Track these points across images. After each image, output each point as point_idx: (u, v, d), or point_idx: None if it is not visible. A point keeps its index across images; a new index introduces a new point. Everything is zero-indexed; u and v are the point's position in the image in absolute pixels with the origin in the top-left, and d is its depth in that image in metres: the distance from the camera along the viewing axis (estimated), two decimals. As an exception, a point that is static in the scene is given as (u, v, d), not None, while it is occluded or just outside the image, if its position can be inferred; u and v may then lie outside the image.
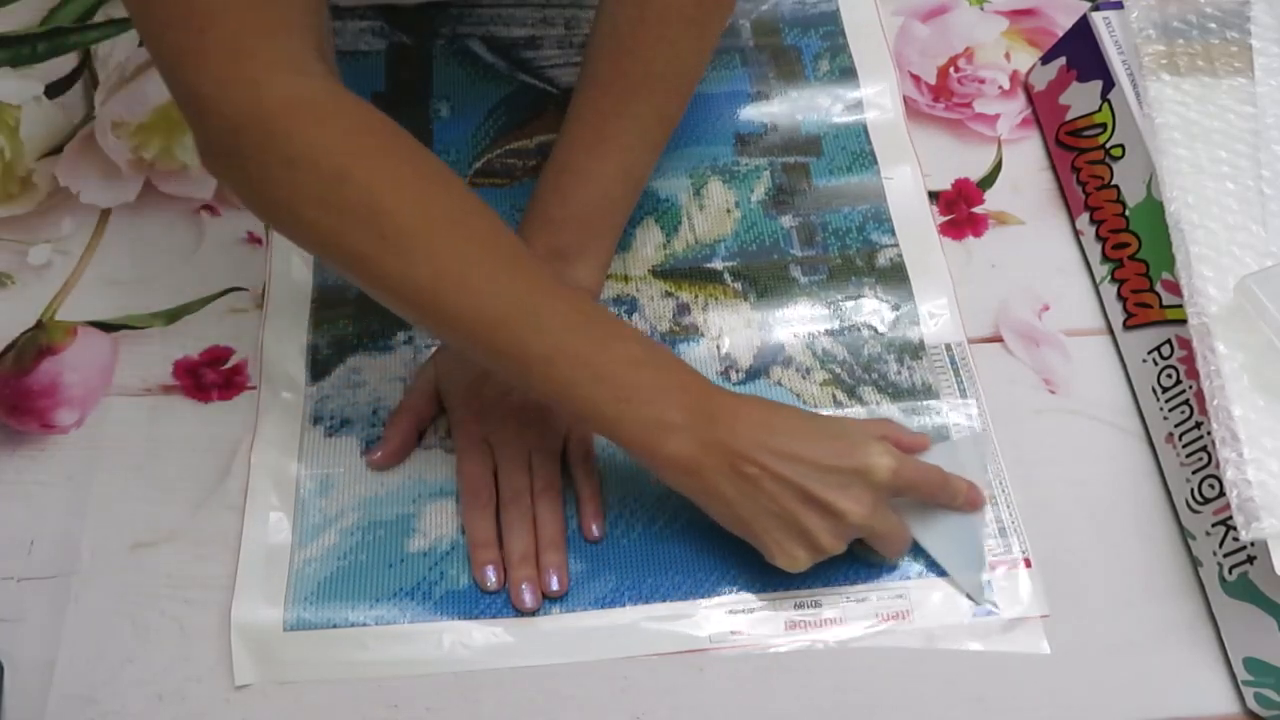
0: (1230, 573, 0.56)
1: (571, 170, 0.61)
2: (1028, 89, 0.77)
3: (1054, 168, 0.74)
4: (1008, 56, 0.79)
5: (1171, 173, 0.62)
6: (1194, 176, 0.62)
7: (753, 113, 0.75)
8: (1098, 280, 0.69)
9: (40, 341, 0.65)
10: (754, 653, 0.57)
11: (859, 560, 0.58)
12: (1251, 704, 0.56)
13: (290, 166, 0.48)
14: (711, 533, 0.58)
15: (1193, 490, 0.59)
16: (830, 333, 0.67)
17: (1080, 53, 0.72)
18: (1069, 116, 0.72)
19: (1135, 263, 0.66)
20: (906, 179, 0.73)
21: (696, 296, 0.68)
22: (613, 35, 0.60)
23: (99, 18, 0.78)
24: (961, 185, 0.73)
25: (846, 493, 0.53)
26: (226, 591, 0.57)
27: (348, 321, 0.66)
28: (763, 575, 0.58)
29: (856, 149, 0.74)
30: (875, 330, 0.67)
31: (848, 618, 0.58)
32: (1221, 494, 0.56)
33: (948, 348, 0.66)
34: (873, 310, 0.68)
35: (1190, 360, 0.59)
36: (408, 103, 0.74)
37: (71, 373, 0.64)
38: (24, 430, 0.62)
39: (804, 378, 0.65)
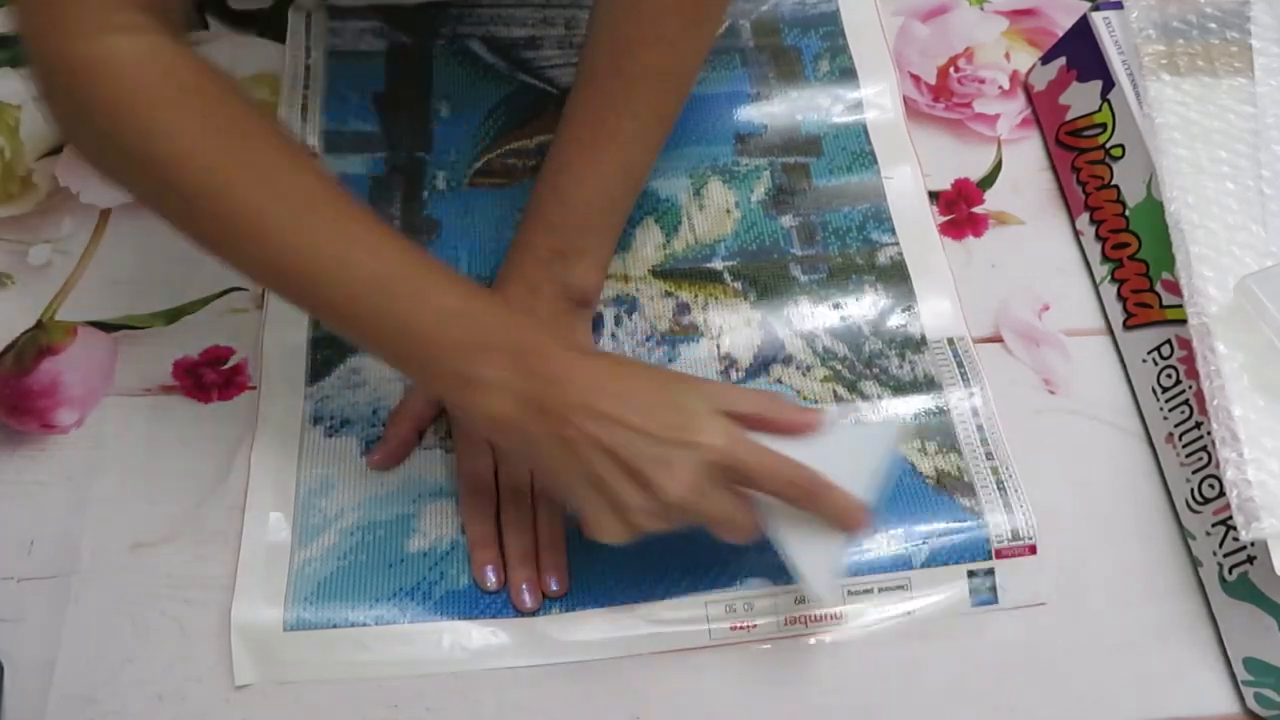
0: (1230, 573, 0.56)
1: (570, 170, 0.61)
2: (1028, 89, 0.77)
3: (1054, 168, 0.74)
4: (1008, 56, 0.79)
5: (1171, 173, 0.62)
6: (1194, 176, 0.62)
7: (753, 113, 0.75)
8: (1098, 280, 0.69)
9: (40, 341, 0.65)
10: (754, 652, 0.57)
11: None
12: (1251, 704, 0.56)
13: (86, 116, 0.49)
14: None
15: (1193, 490, 0.59)
16: (830, 330, 0.67)
17: (1080, 53, 0.72)
18: (1069, 116, 0.72)
19: (1135, 263, 0.66)
20: (906, 179, 0.73)
21: (696, 296, 0.68)
22: (610, 33, 0.60)
23: (99, 18, 0.77)
24: (961, 185, 0.73)
25: (666, 468, 0.48)
26: (226, 591, 0.57)
27: (348, 321, 0.66)
28: (763, 573, 0.58)
29: (856, 149, 0.74)
30: (876, 327, 0.67)
31: (848, 613, 0.58)
32: (1221, 494, 0.56)
33: (950, 341, 0.66)
34: (873, 308, 0.68)
35: (1190, 360, 0.59)
36: (408, 103, 0.74)
37: (71, 373, 0.64)
38: (24, 430, 0.62)
39: (805, 375, 0.65)
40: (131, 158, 0.49)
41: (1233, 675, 0.57)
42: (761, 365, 0.66)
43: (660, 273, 0.69)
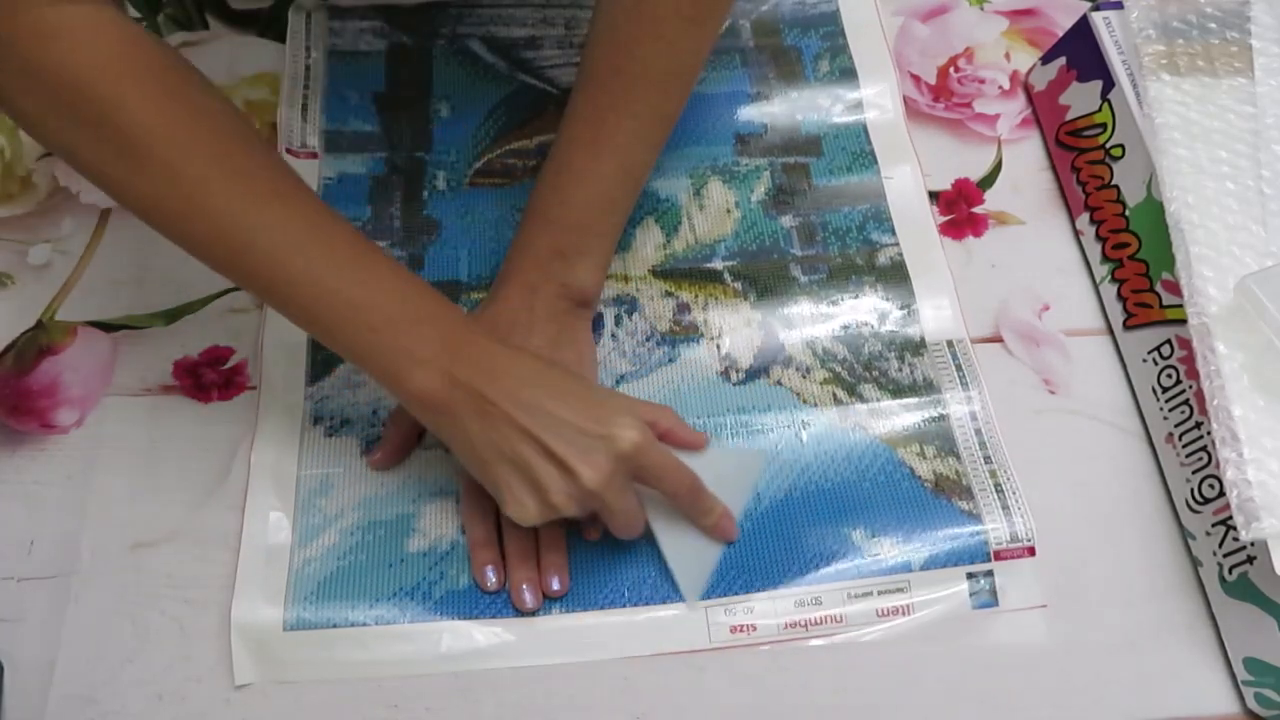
0: (1230, 573, 0.56)
1: (570, 170, 0.61)
2: (1028, 89, 0.77)
3: (1054, 168, 0.74)
4: (1008, 56, 0.79)
5: (1171, 173, 0.62)
6: (1194, 176, 0.62)
7: (753, 113, 0.75)
8: (1098, 280, 0.69)
9: (40, 341, 0.65)
10: (754, 652, 0.57)
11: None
12: (1251, 704, 0.56)
13: (32, 83, 0.49)
14: (711, 532, 0.59)
15: (1193, 490, 0.59)
16: (831, 331, 0.67)
17: (1080, 53, 0.72)
18: (1069, 116, 0.72)
19: (1135, 263, 0.66)
20: (906, 179, 0.73)
21: (696, 296, 0.68)
22: (610, 33, 0.60)
23: (99, 18, 0.77)
24: (961, 185, 0.73)
25: (585, 456, 0.52)
26: (226, 591, 0.57)
27: (348, 321, 0.66)
28: (762, 574, 0.58)
29: (856, 149, 0.74)
30: (875, 329, 0.67)
31: (848, 614, 0.58)
32: (1221, 494, 0.56)
33: (949, 344, 0.66)
34: (873, 309, 0.68)
35: (1190, 360, 0.59)
36: (408, 103, 0.74)
37: (71, 373, 0.64)
38: (24, 430, 0.62)
39: (804, 377, 0.65)
40: (90, 127, 0.49)
41: (1233, 675, 0.57)
42: (761, 366, 0.66)
43: (660, 273, 0.69)
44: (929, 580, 0.59)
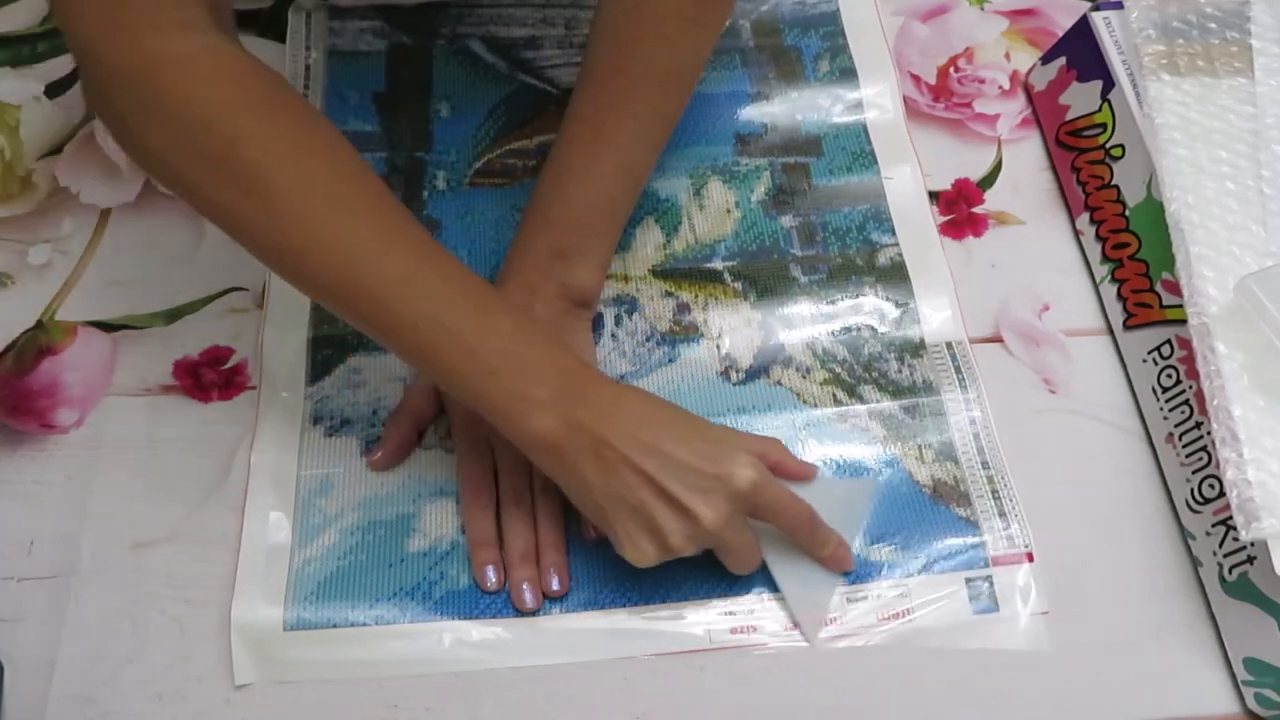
0: (1230, 573, 0.56)
1: (570, 170, 0.61)
2: (1028, 89, 0.77)
3: (1054, 168, 0.74)
4: (1008, 56, 0.79)
5: (1171, 173, 0.62)
6: (1194, 176, 0.62)
7: (753, 113, 0.75)
8: (1098, 280, 0.69)
9: (40, 341, 0.65)
10: (754, 653, 0.57)
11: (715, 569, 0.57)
12: (1251, 704, 0.56)
13: (159, 117, 0.49)
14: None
15: (1193, 490, 0.59)
16: (830, 332, 0.67)
17: (1080, 53, 0.72)
18: (1069, 116, 0.72)
19: (1135, 263, 0.66)
20: (906, 179, 0.73)
21: (696, 296, 0.68)
22: (611, 34, 0.60)
23: (99, 18, 0.77)
24: (961, 185, 0.73)
25: (704, 497, 0.52)
26: (226, 591, 0.57)
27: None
28: (763, 575, 0.58)
29: (856, 149, 0.74)
30: (875, 329, 0.67)
31: (847, 617, 0.58)
32: (1221, 494, 0.56)
33: (948, 345, 0.66)
34: (873, 309, 0.68)
35: (1190, 360, 0.59)
36: (408, 103, 0.74)
37: (71, 373, 0.64)
38: (24, 430, 0.62)
39: (804, 377, 0.65)
40: (214, 165, 0.49)
41: (1233, 675, 0.57)
42: (761, 367, 0.66)
43: (660, 273, 0.69)
44: (928, 585, 0.59)
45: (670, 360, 0.66)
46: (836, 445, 0.63)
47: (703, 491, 0.52)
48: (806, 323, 0.67)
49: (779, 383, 0.65)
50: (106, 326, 0.66)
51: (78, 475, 0.61)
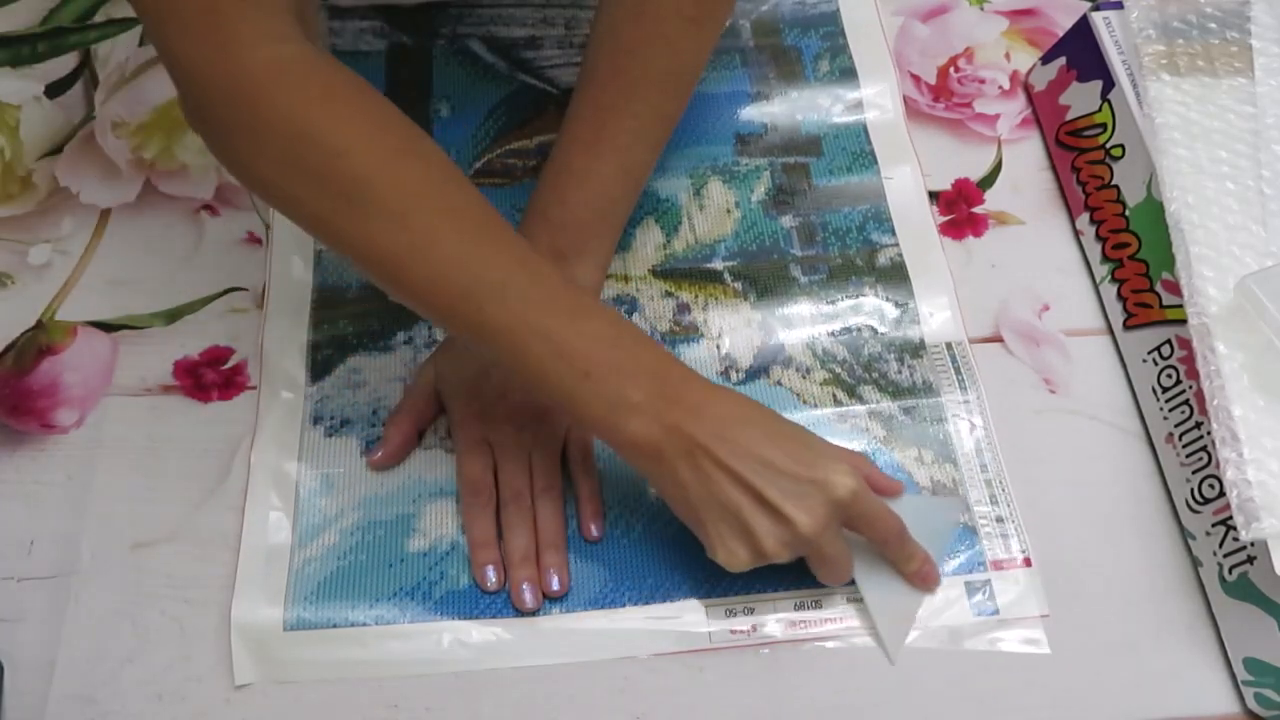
0: (1230, 573, 0.56)
1: (571, 170, 0.61)
2: (1028, 89, 0.77)
3: (1054, 168, 0.74)
4: (1008, 56, 0.79)
5: (1171, 173, 0.62)
6: (1194, 176, 0.62)
7: (753, 113, 0.75)
8: (1098, 280, 0.69)
9: (40, 341, 0.65)
10: (754, 653, 0.57)
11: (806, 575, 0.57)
12: (1251, 704, 0.56)
13: (253, 128, 0.49)
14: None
15: (1193, 490, 0.59)
16: (831, 332, 0.67)
17: (1080, 53, 0.72)
18: (1069, 116, 0.72)
19: (1135, 263, 0.66)
20: (906, 179, 0.73)
21: (696, 296, 0.68)
22: (611, 34, 0.60)
23: (99, 18, 0.77)
24: (961, 185, 0.73)
25: (801, 502, 0.51)
26: (226, 591, 0.57)
27: (348, 321, 0.66)
28: (763, 575, 0.58)
29: (856, 149, 0.74)
30: (875, 330, 0.67)
31: (848, 617, 0.58)
32: (1221, 494, 0.56)
33: (948, 346, 0.66)
34: (873, 310, 0.68)
35: (1190, 360, 0.59)
36: (408, 103, 0.74)
37: (71, 373, 0.64)
38: (24, 430, 0.62)
39: (804, 377, 0.65)
40: (316, 178, 0.49)
41: (1233, 675, 0.57)
42: (761, 367, 0.66)
43: (660, 273, 0.69)
44: None
45: (670, 360, 0.66)
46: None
47: (799, 496, 0.51)
48: (806, 323, 0.67)
49: (779, 383, 0.65)
50: (106, 326, 0.66)
51: (78, 475, 0.61)
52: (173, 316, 0.66)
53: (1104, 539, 0.61)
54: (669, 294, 0.68)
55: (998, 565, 0.59)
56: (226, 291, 0.67)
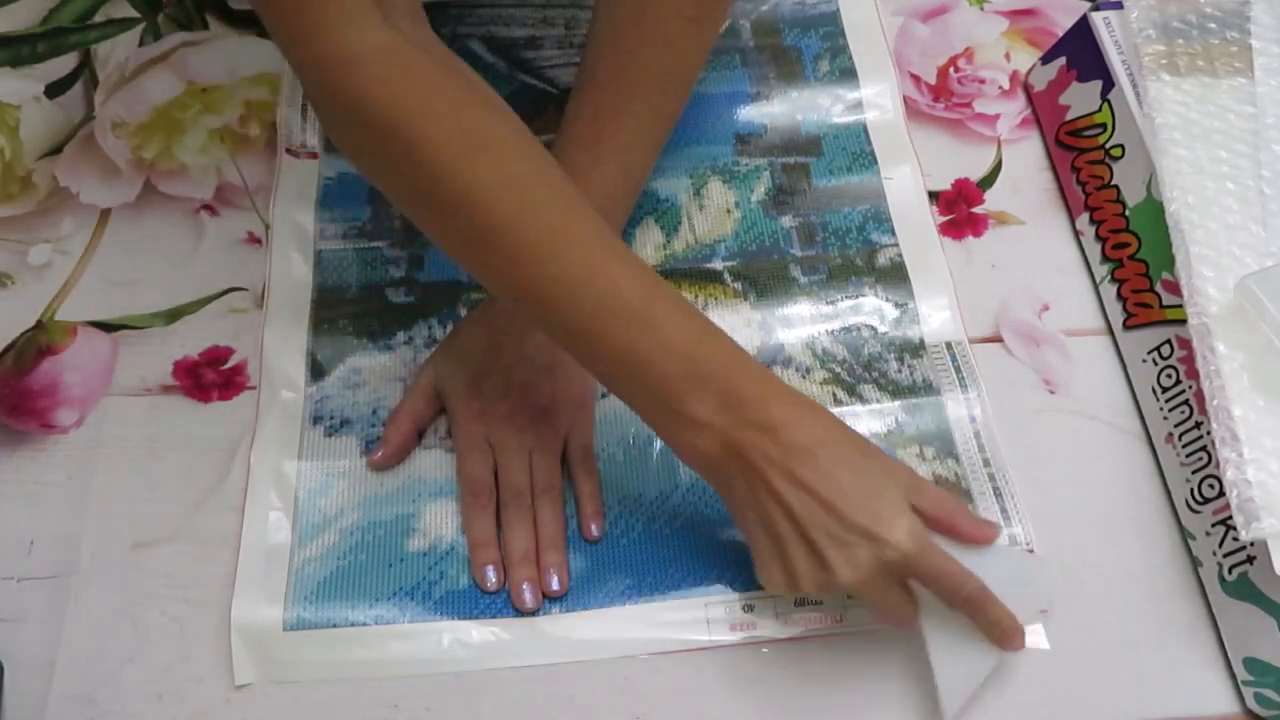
0: (1230, 573, 0.56)
1: (570, 170, 0.61)
2: (1028, 89, 0.77)
3: (1054, 168, 0.74)
4: (1008, 56, 0.79)
5: (1171, 173, 0.62)
6: (1194, 176, 0.62)
7: (753, 113, 0.75)
8: (1098, 280, 0.69)
9: (40, 341, 0.65)
10: (754, 652, 0.57)
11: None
12: (1251, 704, 0.56)
13: (346, 116, 0.51)
14: (711, 533, 0.59)
15: (1193, 490, 0.59)
16: (830, 332, 0.67)
17: (1080, 53, 0.72)
18: (1069, 116, 0.72)
19: (1135, 263, 0.66)
20: (906, 179, 0.73)
21: (696, 296, 0.68)
22: (610, 34, 0.60)
23: (99, 18, 0.78)
24: (961, 185, 0.73)
25: (845, 551, 0.49)
26: (226, 591, 0.57)
27: (348, 321, 0.66)
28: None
29: (856, 149, 0.74)
30: (875, 330, 0.67)
31: (848, 615, 0.58)
32: (1221, 494, 0.56)
33: (948, 346, 0.66)
34: (873, 309, 0.68)
35: (1190, 360, 0.59)
36: (408, 103, 0.74)
37: (71, 373, 0.64)
38: (24, 430, 0.62)
39: (804, 377, 0.65)
40: (397, 167, 0.51)
41: (1233, 675, 0.57)
42: (761, 365, 0.66)
43: (660, 273, 0.68)
44: None
45: (670, 360, 0.66)
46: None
47: (845, 545, 0.49)
48: (806, 323, 0.67)
49: (779, 383, 0.65)
50: (106, 326, 0.66)
51: (78, 475, 0.61)
52: (173, 316, 0.66)
53: (1104, 539, 0.61)
54: (669, 294, 0.68)
55: None
56: (226, 291, 0.67)
